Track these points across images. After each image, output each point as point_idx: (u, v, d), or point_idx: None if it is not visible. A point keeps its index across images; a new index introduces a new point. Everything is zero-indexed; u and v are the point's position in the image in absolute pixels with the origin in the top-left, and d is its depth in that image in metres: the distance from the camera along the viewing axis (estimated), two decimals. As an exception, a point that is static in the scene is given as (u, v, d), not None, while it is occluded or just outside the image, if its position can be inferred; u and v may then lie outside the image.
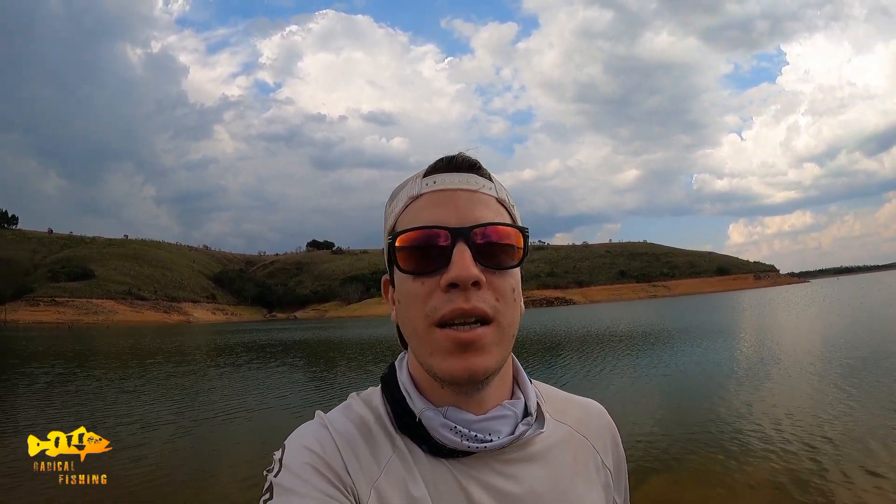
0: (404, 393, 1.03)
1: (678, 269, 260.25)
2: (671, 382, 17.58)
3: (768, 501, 7.80)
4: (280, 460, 0.94)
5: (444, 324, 0.94)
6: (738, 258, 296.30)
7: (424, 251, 0.96)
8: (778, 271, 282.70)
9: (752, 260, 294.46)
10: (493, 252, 0.97)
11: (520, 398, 1.07)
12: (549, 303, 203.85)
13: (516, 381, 1.12)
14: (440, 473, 0.97)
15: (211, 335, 74.19)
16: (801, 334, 30.54)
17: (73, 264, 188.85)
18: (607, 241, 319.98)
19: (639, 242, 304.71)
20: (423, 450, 0.99)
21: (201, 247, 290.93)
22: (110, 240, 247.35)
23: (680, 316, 57.29)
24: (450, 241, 0.94)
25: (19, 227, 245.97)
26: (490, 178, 1.06)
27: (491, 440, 0.98)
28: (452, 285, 0.93)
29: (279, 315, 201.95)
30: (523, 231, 1.02)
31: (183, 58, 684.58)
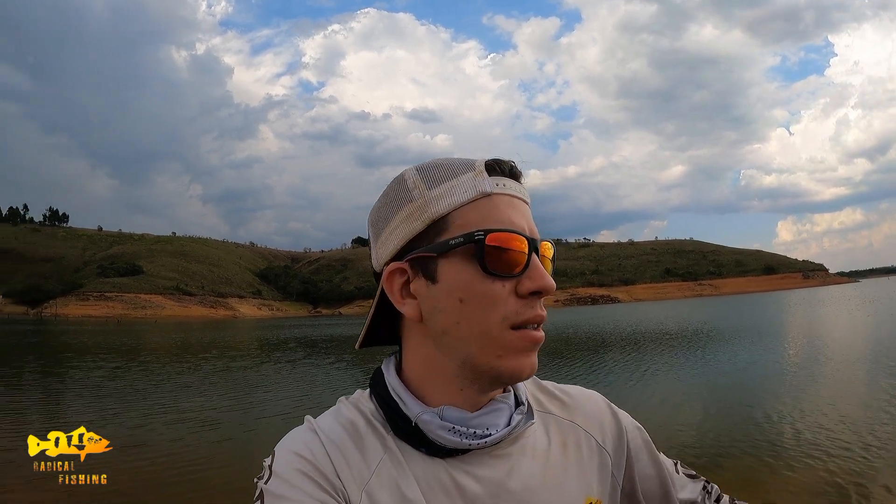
0: (396, 398, 1.02)
1: (725, 268, 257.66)
2: (716, 384, 17.24)
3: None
4: (270, 467, 0.94)
5: (519, 326, 0.94)
6: (786, 256, 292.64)
7: (512, 254, 0.94)
8: (827, 270, 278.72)
9: (800, 258, 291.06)
10: (545, 264, 0.99)
11: (509, 390, 1.08)
12: (594, 301, 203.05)
13: None
14: (433, 472, 0.97)
15: (257, 330, 75.03)
16: (851, 336, 29.76)
17: (122, 260, 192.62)
18: (653, 239, 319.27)
19: (685, 240, 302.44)
20: (421, 452, 0.98)
21: (247, 243, 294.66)
22: (158, 237, 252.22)
23: (727, 316, 56.39)
24: (528, 250, 0.95)
25: (70, 225, 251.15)
26: None
27: (490, 433, 0.98)
28: (534, 293, 0.95)
29: (324, 311, 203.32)
30: (555, 247, 1.06)
31: (227, 59, 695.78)
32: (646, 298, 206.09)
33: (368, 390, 1.08)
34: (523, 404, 1.06)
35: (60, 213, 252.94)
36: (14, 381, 21.68)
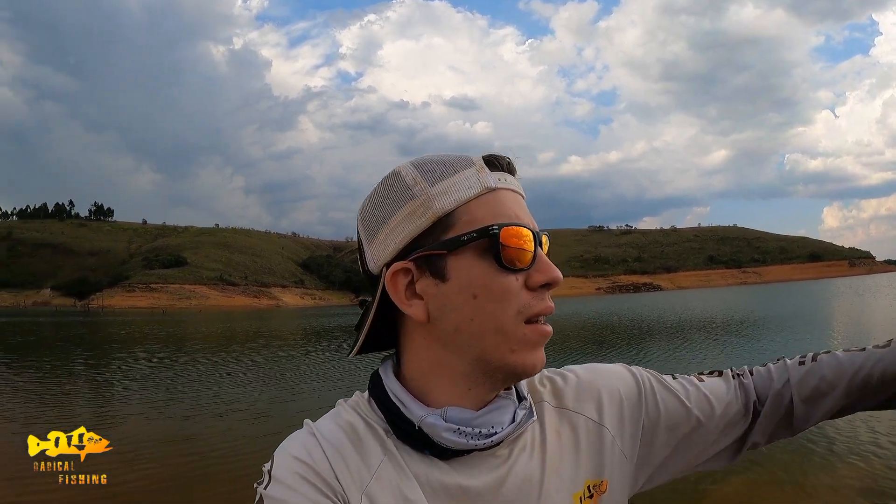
0: (396, 402, 1.00)
1: (769, 255, 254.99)
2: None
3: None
4: (269, 472, 0.93)
5: (532, 320, 0.95)
6: (832, 244, 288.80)
7: (522, 248, 0.94)
8: (874, 258, 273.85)
9: (846, 245, 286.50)
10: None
11: (511, 386, 1.05)
12: (637, 288, 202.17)
13: None
14: (435, 473, 0.97)
15: (299, 319, 75.52)
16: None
17: (167, 252, 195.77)
18: (696, 226, 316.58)
19: (728, 227, 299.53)
20: (422, 454, 0.98)
21: (289, 234, 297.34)
22: (202, 229, 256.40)
23: (772, 305, 55.62)
24: (533, 243, 0.95)
25: (115, 219, 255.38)
26: None
27: (495, 432, 0.97)
28: (546, 285, 0.95)
29: (368, 299, 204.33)
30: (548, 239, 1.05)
31: (265, 52, 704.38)
32: (689, 286, 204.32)
33: (367, 392, 1.07)
34: (525, 399, 1.05)
35: (105, 208, 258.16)
36: (48, 373, 21.81)
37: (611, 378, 1.17)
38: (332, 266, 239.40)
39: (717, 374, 1.21)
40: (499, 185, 0.97)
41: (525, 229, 0.95)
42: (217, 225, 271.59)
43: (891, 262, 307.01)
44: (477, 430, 0.96)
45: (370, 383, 1.08)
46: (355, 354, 1.10)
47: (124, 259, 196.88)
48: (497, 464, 0.99)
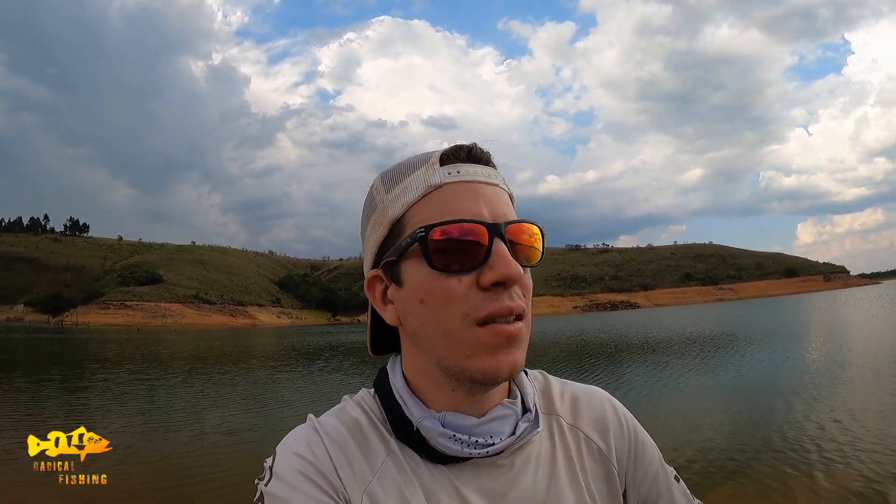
0: (399, 400, 1.00)
1: (745, 272, 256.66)
2: (737, 388, 17.12)
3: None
4: (271, 468, 0.92)
5: (486, 322, 0.89)
6: (806, 259, 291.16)
7: (464, 246, 0.90)
8: (848, 272, 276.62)
9: (821, 260, 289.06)
10: (523, 250, 0.94)
11: (517, 395, 1.04)
12: (614, 306, 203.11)
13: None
14: (437, 478, 0.95)
15: (275, 338, 75.23)
16: (875, 339, 29.25)
17: (143, 269, 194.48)
18: (672, 243, 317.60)
19: (704, 244, 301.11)
20: (421, 457, 0.96)
21: (266, 252, 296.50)
22: (178, 246, 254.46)
23: (748, 320, 55.91)
24: (489, 237, 0.90)
25: (90, 234, 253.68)
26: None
27: (493, 443, 0.96)
28: (497, 284, 0.89)
29: (343, 319, 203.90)
30: (542, 230, 0.99)
31: (245, 68, 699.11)
32: (666, 303, 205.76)
33: (373, 389, 1.06)
34: (530, 411, 1.03)
35: (81, 223, 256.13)
36: (23, 385, 21.86)
37: (620, 415, 1.16)
38: (310, 285, 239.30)
39: (687, 495, 1.17)
40: (447, 180, 0.94)
41: (468, 224, 0.90)
42: (194, 242, 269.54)
43: (865, 275, 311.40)
44: (474, 440, 0.95)
45: (376, 378, 1.07)
46: (372, 354, 1.11)
47: (99, 275, 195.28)
48: (499, 474, 0.98)
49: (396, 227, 0.95)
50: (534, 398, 1.06)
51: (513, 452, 0.99)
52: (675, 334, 41.89)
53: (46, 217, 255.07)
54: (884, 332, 32.38)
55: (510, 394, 1.05)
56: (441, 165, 0.96)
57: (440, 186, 0.94)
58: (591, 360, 26.66)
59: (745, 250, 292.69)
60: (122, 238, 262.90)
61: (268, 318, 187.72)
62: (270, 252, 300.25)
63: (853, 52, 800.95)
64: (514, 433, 0.98)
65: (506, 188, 1.00)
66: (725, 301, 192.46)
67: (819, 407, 13.20)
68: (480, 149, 0.99)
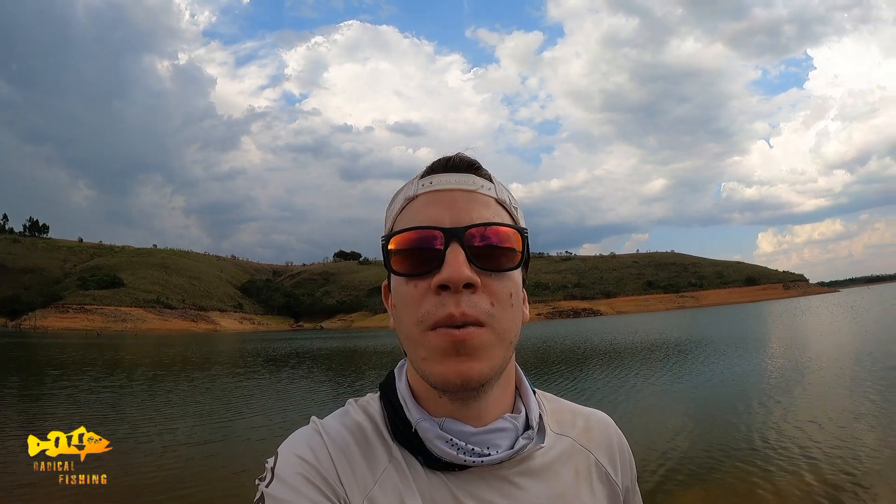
0: (401, 402, 1.01)
1: (706, 280, 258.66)
2: (700, 394, 17.42)
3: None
4: (272, 469, 0.92)
5: (435, 327, 0.91)
6: (766, 268, 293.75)
7: (418, 253, 0.93)
8: (807, 281, 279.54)
9: (781, 269, 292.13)
10: (490, 254, 0.94)
11: (521, 410, 1.05)
12: (577, 313, 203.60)
13: (518, 391, 1.10)
14: (436, 487, 0.95)
15: (235, 343, 74.78)
16: (833, 345, 30.13)
17: (103, 272, 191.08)
18: (635, 252, 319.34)
19: (667, 253, 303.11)
20: (419, 461, 0.97)
21: (229, 256, 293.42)
22: (139, 249, 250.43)
23: (708, 327, 56.92)
24: (444, 242, 0.92)
25: (50, 235, 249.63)
26: (490, 179, 1.03)
27: (489, 454, 0.96)
28: (443, 287, 0.90)
29: (306, 325, 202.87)
30: (522, 232, 0.99)
31: (211, 70, 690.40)
32: (628, 311, 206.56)
33: (378, 393, 1.07)
34: (532, 428, 1.03)
35: (41, 224, 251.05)
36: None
37: (624, 443, 1.19)
38: (272, 290, 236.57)
39: None
40: (420, 191, 0.98)
41: (423, 231, 0.94)
42: (155, 245, 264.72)
43: (824, 284, 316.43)
44: (471, 447, 0.95)
45: (384, 380, 1.08)
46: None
47: (59, 278, 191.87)
48: (498, 487, 0.97)
49: (387, 240, 0.97)
50: (538, 416, 1.06)
51: (514, 465, 0.99)
52: (638, 341, 42.68)
53: (5, 217, 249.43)
54: (841, 338, 33.38)
55: (514, 409, 1.05)
56: (421, 178, 1.01)
57: (414, 198, 0.99)
58: (558, 367, 26.89)
59: (707, 259, 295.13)
60: (82, 240, 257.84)
61: (230, 323, 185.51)
62: (233, 256, 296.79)
63: (815, 68, 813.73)
64: (512, 447, 0.99)
65: (490, 193, 1.00)
66: (687, 309, 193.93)
67: (780, 411, 13.74)
68: (462, 157, 1.02)
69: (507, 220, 1.00)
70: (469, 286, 0.90)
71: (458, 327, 0.90)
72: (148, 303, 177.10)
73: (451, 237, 0.91)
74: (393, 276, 0.99)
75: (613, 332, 58.21)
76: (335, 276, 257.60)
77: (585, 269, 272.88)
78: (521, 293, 1.01)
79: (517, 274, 0.98)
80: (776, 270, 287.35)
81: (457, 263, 0.89)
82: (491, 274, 0.93)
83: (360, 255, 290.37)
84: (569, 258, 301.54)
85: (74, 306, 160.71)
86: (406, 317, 0.94)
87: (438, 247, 0.91)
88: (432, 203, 0.97)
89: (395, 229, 0.98)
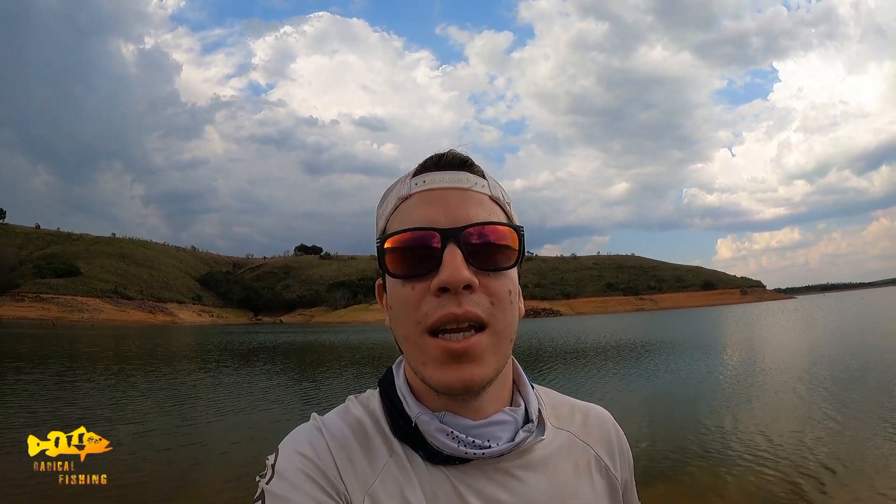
0: (401, 397, 1.01)
1: (665, 283, 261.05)
2: (659, 396, 17.68)
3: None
4: (273, 466, 0.92)
5: (435, 331, 0.91)
6: (725, 273, 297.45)
7: (414, 253, 0.93)
8: (764, 287, 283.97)
9: (739, 275, 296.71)
10: (487, 253, 0.94)
11: (520, 404, 1.05)
12: (536, 313, 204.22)
13: (517, 386, 1.10)
14: (438, 481, 0.95)
15: (199, 336, 73.91)
16: (788, 349, 30.95)
17: (60, 261, 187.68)
18: (596, 254, 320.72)
19: (627, 255, 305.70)
20: (420, 456, 0.96)
21: (189, 248, 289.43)
22: (97, 237, 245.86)
23: (666, 329, 57.79)
24: (441, 242, 0.91)
25: (6, 221, 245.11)
26: (483, 176, 1.03)
27: (489, 446, 0.96)
28: (443, 289, 0.90)
29: (265, 319, 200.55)
30: (518, 230, 0.99)
31: (177, 56, 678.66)
32: (587, 312, 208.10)
33: (378, 391, 1.07)
34: (532, 421, 1.03)
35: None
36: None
37: (622, 438, 1.19)
38: (232, 283, 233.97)
39: None
40: (414, 191, 0.98)
41: (418, 232, 0.93)
42: (114, 234, 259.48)
43: (780, 290, 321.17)
44: (471, 440, 0.95)
45: (383, 375, 1.08)
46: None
47: (14, 265, 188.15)
48: (499, 479, 0.97)
49: (381, 239, 0.97)
50: (537, 409, 1.06)
51: (514, 458, 1.00)
52: (598, 342, 43.10)
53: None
54: (796, 342, 34.39)
55: (513, 401, 1.06)
56: (413, 177, 1.00)
57: (408, 197, 0.98)
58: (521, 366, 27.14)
59: (666, 263, 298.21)
60: (39, 226, 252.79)
61: (188, 315, 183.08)
62: (193, 248, 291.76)
63: (780, 80, 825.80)
64: (512, 440, 0.99)
65: (483, 190, 1.00)
66: (645, 311, 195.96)
67: (738, 412, 14.17)
68: (455, 154, 1.01)
69: (502, 217, 1.00)
70: (468, 287, 0.90)
71: (458, 332, 0.91)
72: (105, 293, 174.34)
73: (447, 238, 0.91)
74: (388, 278, 0.98)
75: (574, 333, 58.52)
76: (296, 270, 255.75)
77: (546, 270, 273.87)
78: (518, 289, 1.01)
79: (514, 272, 0.98)
80: (734, 276, 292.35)
81: (455, 265, 0.89)
82: (489, 273, 0.93)
83: (321, 250, 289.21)
84: (530, 258, 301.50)
85: (30, 295, 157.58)
86: (404, 318, 0.94)
87: (435, 247, 0.91)
88: (427, 202, 0.96)
89: (390, 230, 0.98)
